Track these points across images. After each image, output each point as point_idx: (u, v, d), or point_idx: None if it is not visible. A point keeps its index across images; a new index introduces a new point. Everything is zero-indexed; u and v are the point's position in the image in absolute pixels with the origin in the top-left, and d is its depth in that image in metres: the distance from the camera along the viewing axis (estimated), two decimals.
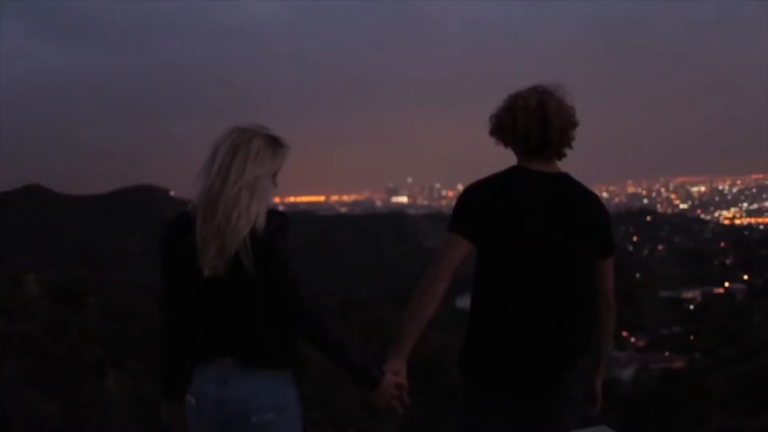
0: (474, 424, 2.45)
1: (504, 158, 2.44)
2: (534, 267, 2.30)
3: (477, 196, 2.34)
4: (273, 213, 2.07)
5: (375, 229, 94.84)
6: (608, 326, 2.50)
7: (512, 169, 2.37)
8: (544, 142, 2.30)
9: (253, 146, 2.07)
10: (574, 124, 2.34)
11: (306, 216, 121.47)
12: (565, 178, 2.38)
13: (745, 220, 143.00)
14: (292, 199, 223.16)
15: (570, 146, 2.36)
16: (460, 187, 2.63)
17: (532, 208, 2.29)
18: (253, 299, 2.06)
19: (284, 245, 2.03)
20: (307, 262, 2.08)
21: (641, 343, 54.71)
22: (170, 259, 2.14)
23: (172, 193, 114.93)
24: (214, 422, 2.11)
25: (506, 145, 2.40)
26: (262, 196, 2.05)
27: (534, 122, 2.29)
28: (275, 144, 2.12)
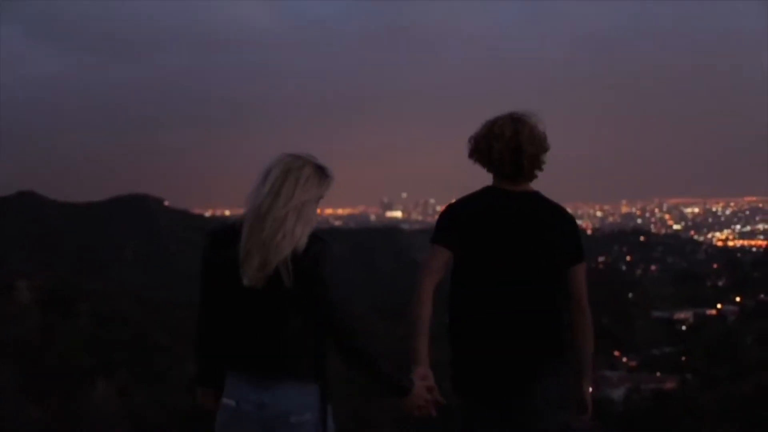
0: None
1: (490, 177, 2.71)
2: (502, 275, 2.54)
3: (453, 212, 2.63)
4: (315, 237, 2.25)
5: (369, 243, 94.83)
6: (583, 327, 2.70)
7: (486, 188, 2.65)
8: (517, 167, 2.56)
9: (304, 173, 2.24)
10: (545, 150, 2.60)
11: None
12: (535, 195, 2.64)
13: (738, 242, 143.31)
14: None
15: (541, 169, 2.63)
16: None
17: (502, 223, 2.55)
18: (287, 314, 2.21)
19: (325, 268, 2.20)
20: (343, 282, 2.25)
21: (633, 363, 54.58)
22: (212, 266, 2.31)
23: (166, 203, 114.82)
24: (256, 424, 2.25)
25: (483, 166, 2.66)
26: (308, 219, 2.23)
27: (508, 150, 2.54)
28: (322, 173, 2.29)
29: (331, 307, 2.18)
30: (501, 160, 2.56)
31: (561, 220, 2.64)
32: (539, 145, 2.59)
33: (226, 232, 2.28)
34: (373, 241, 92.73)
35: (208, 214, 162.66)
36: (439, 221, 2.66)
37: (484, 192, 2.65)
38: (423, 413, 2.33)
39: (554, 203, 2.66)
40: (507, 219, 2.56)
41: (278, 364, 2.23)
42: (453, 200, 2.70)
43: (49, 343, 21.98)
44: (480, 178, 2.76)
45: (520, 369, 2.55)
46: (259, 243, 2.16)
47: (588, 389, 2.75)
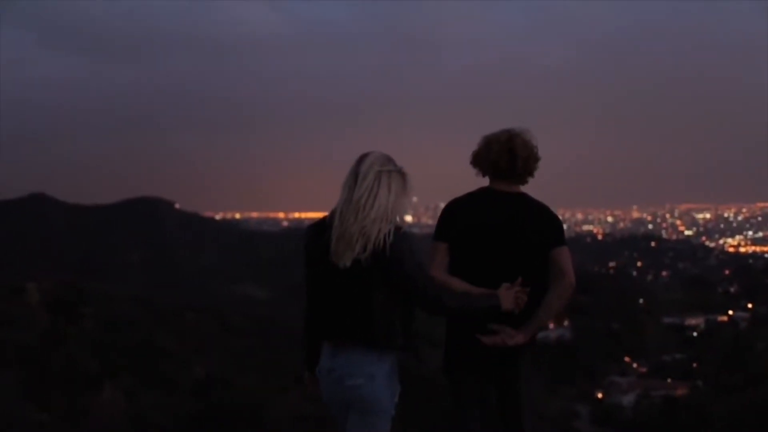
0: (453, 410, 3.09)
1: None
2: (489, 265, 2.91)
3: (449, 209, 3.04)
4: (397, 228, 2.58)
5: None
6: (557, 288, 2.90)
7: (480, 189, 3.04)
8: (511, 167, 2.94)
9: (394, 174, 2.61)
10: (536, 158, 2.98)
11: None
12: (523, 196, 3.02)
13: (750, 248, 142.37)
14: (296, 214, 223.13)
15: (532, 175, 3.01)
16: None
17: (491, 219, 2.94)
18: (370, 289, 2.56)
19: (403, 250, 2.55)
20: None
21: (643, 369, 54.30)
22: (310, 254, 2.68)
23: (177, 206, 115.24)
24: (328, 386, 2.68)
25: (483, 174, 3.03)
26: (393, 213, 2.58)
27: (503, 151, 2.94)
28: (406, 177, 2.66)
29: (411, 280, 2.55)
30: (497, 160, 2.95)
31: (545, 216, 2.96)
32: (530, 151, 2.97)
33: (319, 225, 2.68)
34: None
35: (218, 216, 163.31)
36: (438, 220, 3.07)
37: (479, 191, 3.03)
38: (520, 303, 2.80)
39: (539, 203, 3.00)
40: (495, 216, 2.94)
41: (347, 332, 2.60)
42: (451, 199, 3.08)
43: (56, 346, 21.97)
44: (486, 182, 3.09)
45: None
46: (348, 229, 2.52)
47: (523, 336, 2.90)
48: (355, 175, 2.59)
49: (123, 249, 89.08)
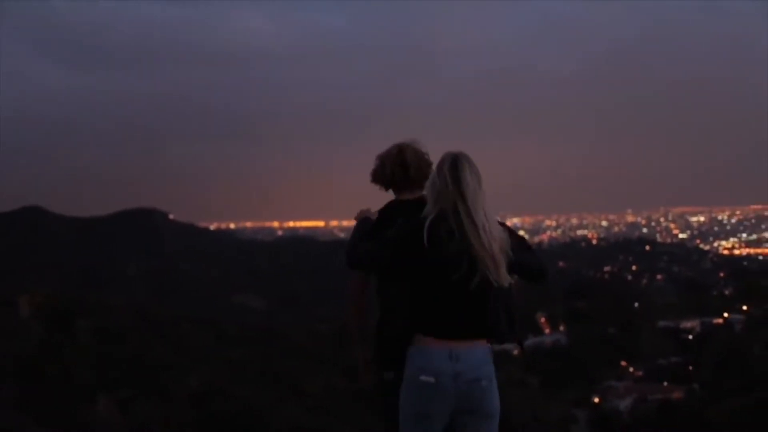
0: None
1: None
2: None
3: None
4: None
5: None
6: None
7: (389, 202, 3.26)
8: (405, 177, 3.18)
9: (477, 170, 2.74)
10: (427, 163, 3.17)
11: (305, 240, 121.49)
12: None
13: (744, 251, 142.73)
14: (291, 223, 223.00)
15: (427, 179, 3.06)
16: None
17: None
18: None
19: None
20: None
21: (639, 373, 54.28)
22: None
23: (171, 217, 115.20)
24: (443, 392, 2.64)
25: (386, 189, 3.27)
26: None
27: (396, 165, 3.18)
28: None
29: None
30: (393, 174, 3.19)
31: None
32: (421, 158, 3.20)
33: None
34: None
35: (213, 227, 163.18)
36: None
37: (388, 205, 3.25)
38: None
39: None
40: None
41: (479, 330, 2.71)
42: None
43: (51, 358, 21.90)
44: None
45: None
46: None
47: None
48: (457, 175, 2.68)
49: (118, 260, 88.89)
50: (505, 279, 2.58)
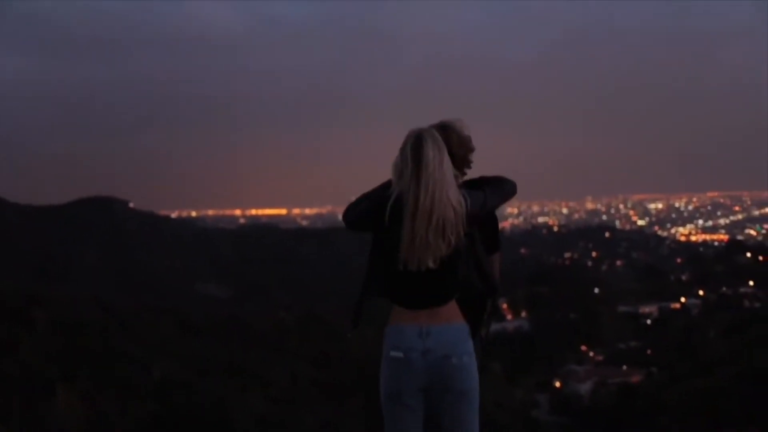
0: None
1: None
2: None
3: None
4: None
5: (337, 243, 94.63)
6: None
7: None
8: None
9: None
10: (471, 150, 2.96)
11: (267, 228, 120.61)
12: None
13: (701, 237, 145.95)
14: (253, 211, 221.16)
15: (469, 167, 2.99)
16: None
17: None
18: None
19: None
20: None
21: (600, 358, 55.33)
22: None
23: (131, 205, 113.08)
24: (415, 369, 2.69)
25: None
26: None
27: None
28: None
29: None
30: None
31: None
32: (465, 146, 2.95)
33: None
34: (340, 240, 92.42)
35: (174, 215, 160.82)
36: None
37: None
38: None
39: None
40: None
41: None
42: None
43: (6, 353, 21.38)
44: None
45: None
46: None
47: None
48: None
49: (76, 250, 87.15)
50: (432, 263, 2.59)
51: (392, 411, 2.65)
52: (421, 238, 2.56)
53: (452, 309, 2.68)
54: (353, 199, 2.83)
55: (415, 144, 2.63)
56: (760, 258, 75.03)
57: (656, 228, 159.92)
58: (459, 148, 2.92)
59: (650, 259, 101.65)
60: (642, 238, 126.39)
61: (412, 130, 2.69)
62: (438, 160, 2.61)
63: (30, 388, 20.11)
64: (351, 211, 2.80)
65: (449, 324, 2.64)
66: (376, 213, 2.68)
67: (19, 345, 22.45)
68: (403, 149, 2.66)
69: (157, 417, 22.90)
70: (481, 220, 2.76)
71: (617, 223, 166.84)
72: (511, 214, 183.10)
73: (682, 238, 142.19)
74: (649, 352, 52.86)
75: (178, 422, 22.45)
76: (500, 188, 2.82)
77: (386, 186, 2.77)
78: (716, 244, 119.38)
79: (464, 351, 2.64)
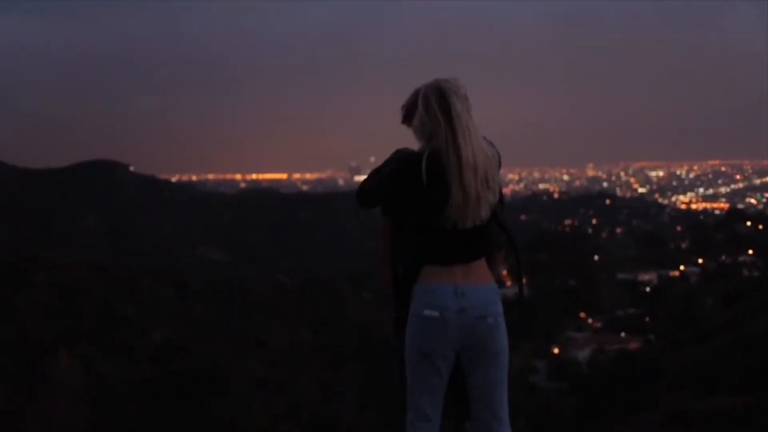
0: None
1: None
2: None
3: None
4: None
5: (337, 207, 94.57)
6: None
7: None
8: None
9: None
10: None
11: (268, 193, 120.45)
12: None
13: (701, 205, 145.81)
14: (254, 176, 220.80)
15: None
16: None
17: None
18: None
19: None
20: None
21: (598, 325, 55.58)
22: None
23: (131, 168, 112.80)
24: (449, 328, 2.63)
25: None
26: None
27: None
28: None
29: None
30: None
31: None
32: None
33: None
34: (340, 205, 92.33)
35: (174, 179, 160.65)
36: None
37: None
38: None
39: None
40: None
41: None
42: None
43: (6, 316, 21.40)
44: None
45: None
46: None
47: None
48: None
49: (77, 213, 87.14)
50: (485, 215, 2.56)
51: (421, 369, 2.60)
52: (476, 192, 2.50)
53: (484, 267, 2.64)
54: (354, 164, 2.72)
55: (440, 98, 2.53)
56: (760, 227, 74.91)
57: (657, 196, 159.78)
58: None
59: (650, 226, 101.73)
60: (642, 206, 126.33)
61: (426, 85, 2.59)
62: (465, 110, 2.54)
63: (29, 351, 20.18)
64: (368, 181, 2.72)
65: (483, 284, 2.61)
66: (408, 174, 2.55)
67: (19, 308, 22.46)
68: (427, 106, 2.55)
69: (157, 380, 23.03)
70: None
71: (618, 190, 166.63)
72: (511, 180, 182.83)
73: (683, 206, 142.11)
74: (647, 319, 53.10)
75: (177, 385, 22.58)
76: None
77: (396, 158, 2.68)
78: (717, 212, 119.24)
79: (498, 311, 2.61)
